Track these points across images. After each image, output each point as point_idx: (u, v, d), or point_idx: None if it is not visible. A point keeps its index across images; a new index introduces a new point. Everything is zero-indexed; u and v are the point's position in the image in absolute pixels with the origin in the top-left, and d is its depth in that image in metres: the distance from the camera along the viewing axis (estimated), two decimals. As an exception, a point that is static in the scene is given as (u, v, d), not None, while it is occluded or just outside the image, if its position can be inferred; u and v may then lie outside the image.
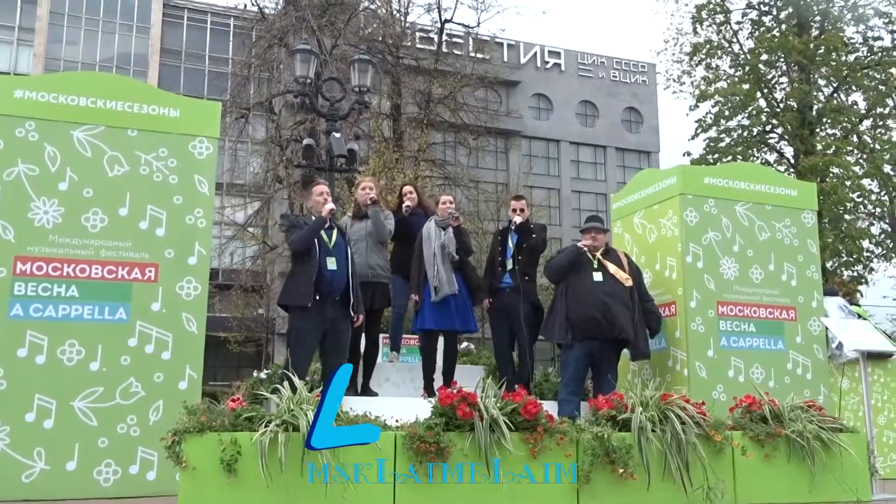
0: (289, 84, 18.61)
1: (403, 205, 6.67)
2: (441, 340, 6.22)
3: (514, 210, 6.25)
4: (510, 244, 6.18)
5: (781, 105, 21.76)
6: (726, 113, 22.16)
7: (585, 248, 5.64)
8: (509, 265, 6.11)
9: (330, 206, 5.34)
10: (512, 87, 38.40)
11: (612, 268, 5.57)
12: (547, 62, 41.49)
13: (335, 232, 5.38)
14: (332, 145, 10.35)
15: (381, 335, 6.60)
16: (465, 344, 9.43)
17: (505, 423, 3.97)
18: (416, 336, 6.49)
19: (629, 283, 5.56)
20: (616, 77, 42.67)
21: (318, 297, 5.11)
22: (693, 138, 22.82)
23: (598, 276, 5.53)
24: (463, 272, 6.04)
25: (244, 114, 20.57)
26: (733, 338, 6.02)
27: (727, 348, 5.97)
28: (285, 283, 5.48)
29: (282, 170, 20.23)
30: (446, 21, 23.23)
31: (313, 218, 5.36)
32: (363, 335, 5.94)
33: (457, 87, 22.32)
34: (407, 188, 6.93)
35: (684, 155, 22.48)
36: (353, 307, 5.27)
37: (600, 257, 5.64)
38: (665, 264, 6.22)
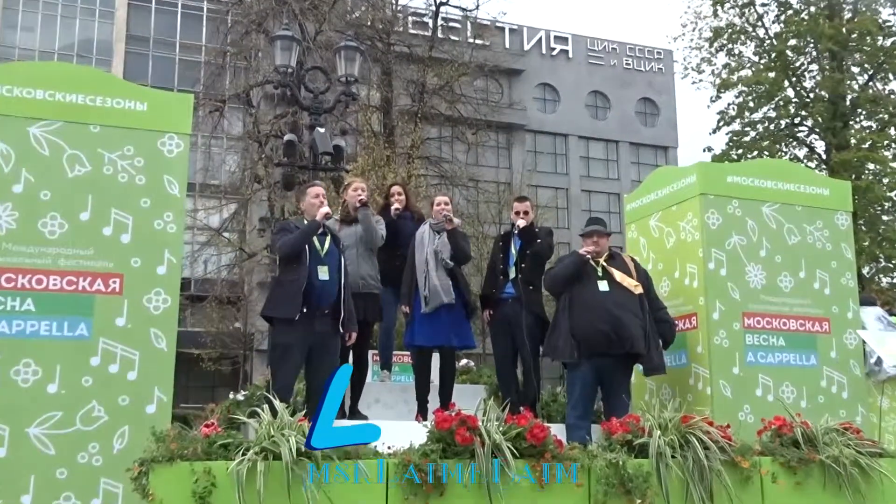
0: (268, 74, 18.61)
1: (392, 207, 6.66)
2: (437, 357, 6.21)
3: (517, 212, 6.26)
4: (513, 250, 6.18)
5: (811, 95, 21.85)
6: (751, 104, 22.25)
7: (588, 256, 5.62)
8: (512, 273, 6.11)
9: (325, 209, 5.35)
10: (515, 77, 38.51)
11: (618, 275, 5.56)
12: (553, 49, 41.65)
13: (328, 239, 5.39)
14: (316, 141, 10.35)
15: (370, 352, 6.59)
16: (464, 361, 9.42)
17: (509, 448, 3.95)
18: (410, 353, 6.48)
19: (638, 290, 5.55)
20: (629, 65, 42.84)
21: (305, 310, 5.11)
22: (715, 132, 22.92)
23: (603, 286, 5.52)
24: (455, 281, 6.03)
25: (219, 107, 20.58)
26: (761, 353, 6.02)
27: (754, 364, 5.97)
28: (270, 292, 5.48)
29: (260, 168, 20.24)
30: (441, 3, 23.30)
31: (305, 221, 5.37)
32: (350, 352, 5.94)
33: (454, 76, 22.39)
34: (395, 188, 6.93)
35: (705, 150, 22.57)
36: (342, 323, 5.26)
37: (604, 264, 5.63)
38: (685, 272, 6.22)
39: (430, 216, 6.33)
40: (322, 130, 10.42)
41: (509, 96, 36.76)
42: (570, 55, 41.89)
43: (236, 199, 23.23)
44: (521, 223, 6.14)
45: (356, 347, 5.94)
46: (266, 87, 20.53)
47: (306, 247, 5.23)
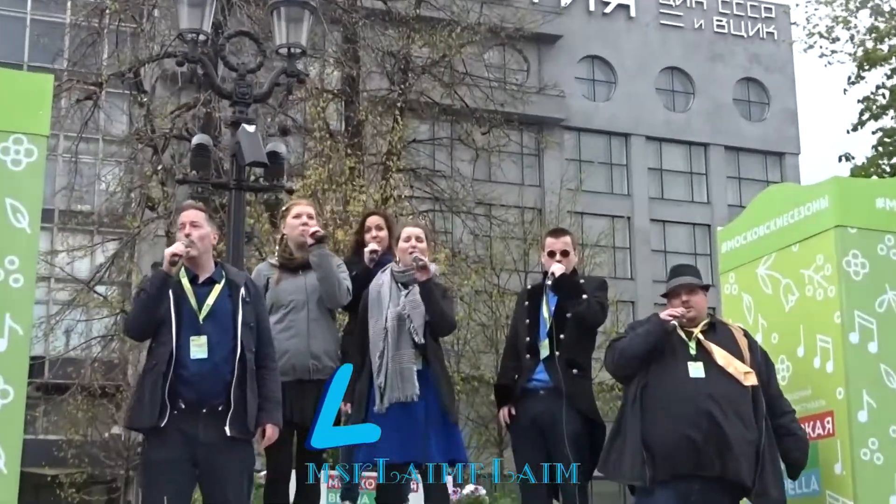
0: (168, 43, 18.80)
1: (367, 248, 6.68)
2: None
3: (552, 253, 6.30)
4: (545, 313, 6.22)
5: None
6: (910, 88, 22.42)
7: (675, 323, 5.64)
8: (544, 350, 6.13)
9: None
10: (548, 46, 38.95)
11: (720, 355, 5.57)
12: (606, 4, 42.13)
13: (217, 290, 5.34)
14: (242, 146, 10.41)
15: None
16: (469, 487, 9.38)
17: None
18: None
19: (751, 380, 5.56)
20: (723, 28, 43.31)
21: (183, 407, 5.09)
22: (855, 130, 23.06)
23: (696, 370, 5.53)
24: (427, 362, 6.04)
25: (92, 93, 20.74)
26: (934, 473, 6.00)
27: (924, 491, 5.94)
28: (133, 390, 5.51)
29: (155, 187, 20.32)
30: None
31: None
32: (293, 468, 5.92)
33: (454, 45, 22.57)
34: (373, 219, 6.97)
35: (842, 159, 22.68)
36: (230, 421, 5.10)
37: (700, 336, 5.65)
38: (813, 348, 6.22)
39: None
40: (251, 129, 10.48)
41: (540, 76, 37.10)
42: (633, 13, 42.36)
43: (117, 235, 23.27)
44: (558, 270, 6.16)
45: (300, 463, 5.91)
46: (165, 64, 20.69)
47: (172, 310, 5.18)
